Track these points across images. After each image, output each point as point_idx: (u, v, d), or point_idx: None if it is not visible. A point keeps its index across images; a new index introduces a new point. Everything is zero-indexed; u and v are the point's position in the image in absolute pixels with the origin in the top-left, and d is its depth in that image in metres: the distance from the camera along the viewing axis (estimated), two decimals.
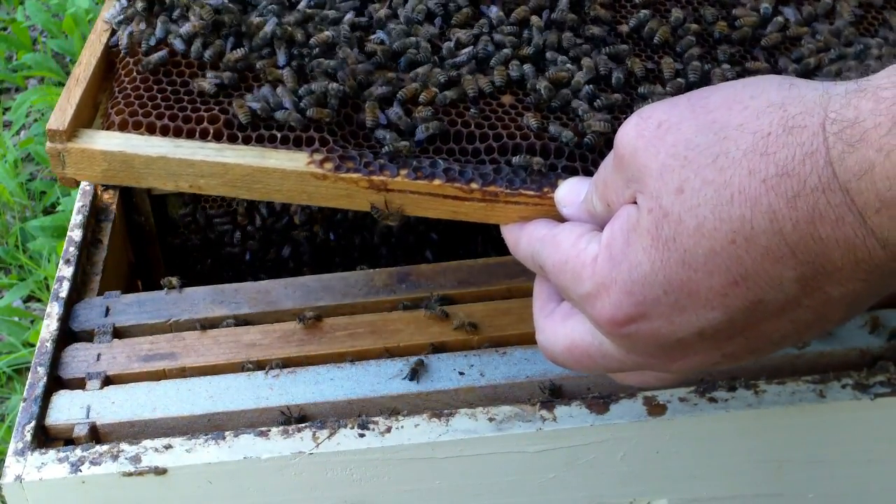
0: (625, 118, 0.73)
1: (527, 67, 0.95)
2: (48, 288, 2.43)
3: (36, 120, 2.94)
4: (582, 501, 0.96)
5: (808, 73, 0.99)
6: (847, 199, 0.59)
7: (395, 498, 0.94)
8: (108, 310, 1.08)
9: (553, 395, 0.95)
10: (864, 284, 0.63)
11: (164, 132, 0.90)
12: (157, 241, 1.36)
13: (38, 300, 2.49)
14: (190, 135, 0.90)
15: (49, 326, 1.05)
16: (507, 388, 0.97)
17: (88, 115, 0.94)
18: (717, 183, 0.63)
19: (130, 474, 0.90)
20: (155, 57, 0.94)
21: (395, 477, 0.93)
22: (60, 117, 0.91)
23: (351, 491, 0.93)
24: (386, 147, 0.88)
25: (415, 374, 0.97)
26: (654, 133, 0.67)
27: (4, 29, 3.34)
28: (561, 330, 0.78)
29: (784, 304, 0.64)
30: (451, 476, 0.93)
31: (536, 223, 0.82)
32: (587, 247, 0.72)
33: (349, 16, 0.99)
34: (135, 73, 0.95)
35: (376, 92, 0.92)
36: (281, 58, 0.94)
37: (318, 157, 0.88)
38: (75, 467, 0.90)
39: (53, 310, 1.07)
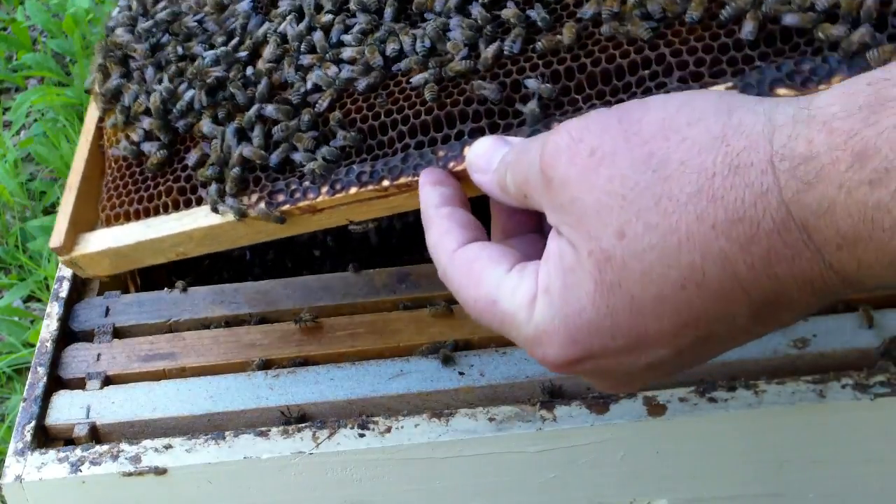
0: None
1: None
2: (48, 288, 2.43)
3: (36, 120, 2.94)
4: (582, 501, 0.96)
5: None
6: (804, 236, 0.57)
7: (395, 498, 0.94)
8: (108, 310, 1.08)
9: (553, 395, 0.95)
10: (817, 303, 0.61)
11: (137, 216, 0.96)
12: None
13: (38, 300, 2.49)
14: (156, 212, 0.95)
15: (49, 326, 1.05)
16: (507, 388, 0.97)
17: (88, 218, 1.00)
18: (661, 228, 0.59)
19: (130, 474, 0.90)
20: (118, 150, 1.00)
21: (395, 477, 0.93)
22: (56, 235, 0.98)
23: (351, 491, 0.93)
24: (306, 169, 0.88)
25: (448, 360, 0.98)
26: (587, 163, 0.62)
27: (4, 29, 3.34)
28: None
29: (736, 334, 0.63)
30: (451, 476, 0.93)
31: (440, 235, 0.73)
32: (519, 285, 0.66)
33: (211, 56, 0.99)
34: (110, 166, 1.02)
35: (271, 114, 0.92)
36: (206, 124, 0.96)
37: (253, 199, 0.90)
38: (75, 467, 0.90)
39: (53, 310, 1.07)
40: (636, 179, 0.60)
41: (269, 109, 0.91)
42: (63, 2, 3.20)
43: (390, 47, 0.89)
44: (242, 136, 0.93)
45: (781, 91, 0.70)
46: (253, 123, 0.92)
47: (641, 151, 0.61)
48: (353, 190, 0.86)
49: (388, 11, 0.92)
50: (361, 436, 0.92)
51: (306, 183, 0.88)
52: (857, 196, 0.54)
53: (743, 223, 0.57)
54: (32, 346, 2.24)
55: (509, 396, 0.96)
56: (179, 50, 1.00)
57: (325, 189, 0.87)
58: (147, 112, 0.99)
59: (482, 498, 0.95)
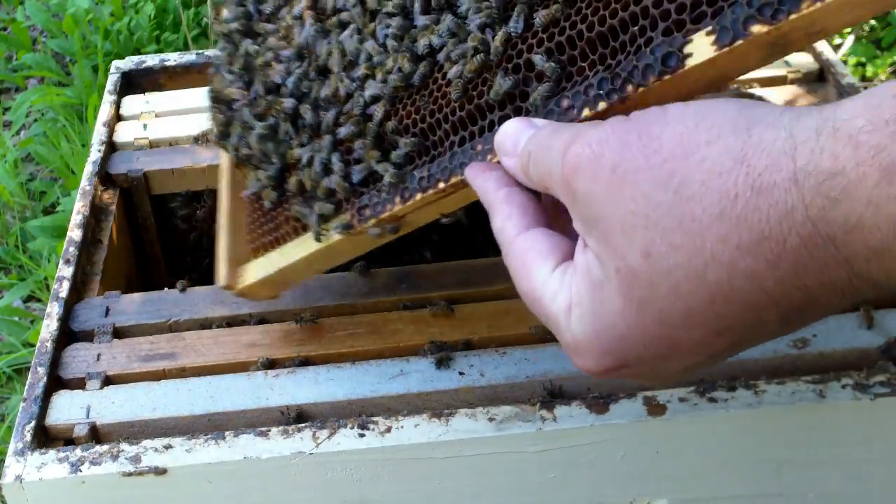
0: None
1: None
2: (48, 288, 2.43)
3: (36, 120, 2.94)
4: (582, 501, 0.96)
5: None
6: (831, 249, 0.57)
7: (395, 498, 0.94)
8: (108, 310, 1.08)
9: (553, 395, 0.95)
10: (848, 303, 0.62)
11: (273, 246, 1.02)
12: (157, 241, 1.36)
13: (38, 300, 2.49)
14: (283, 240, 1.01)
15: (49, 326, 1.05)
16: (507, 388, 0.97)
17: (244, 250, 1.06)
18: (686, 249, 0.60)
19: (130, 474, 0.90)
20: (245, 191, 1.06)
21: (395, 477, 0.93)
22: (221, 275, 1.04)
23: (351, 491, 0.93)
24: (384, 181, 0.90)
25: (441, 363, 0.99)
26: (610, 179, 0.63)
27: (4, 29, 3.34)
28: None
29: (766, 335, 0.64)
30: (451, 476, 0.93)
31: (503, 221, 0.74)
32: (560, 290, 0.68)
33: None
34: (250, 204, 1.07)
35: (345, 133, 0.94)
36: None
37: (346, 217, 0.93)
38: (75, 467, 0.90)
39: (53, 310, 1.07)
40: (659, 199, 0.61)
41: (343, 131, 0.93)
42: (63, 2, 3.20)
43: (422, 44, 0.89)
44: (327, 166, 0.96)
45: (755, 28, 0.69)
46: (330, 152, 0.94)
47: (662, 171, 0.61)
48: (419, 196, 0.88)
49: (417, 6, 0.91)
50: (361, 436, 0.92)
51: (383, 195, 0.91)
52: (887, 210, 0.54)
53: (769, 241, 0.58)
54: (32, 346, 2.24)
55: (509, 396, 0.96)
56: (261, 88, 1.02)
57: (397, 199, 0.89)
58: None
59: (482, 498, 0.95)
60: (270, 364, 1.00)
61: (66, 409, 0.97)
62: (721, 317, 0.61)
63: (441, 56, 0.87)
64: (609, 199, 0.63)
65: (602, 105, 0.74)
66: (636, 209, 0.61)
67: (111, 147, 1.35)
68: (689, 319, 0.62)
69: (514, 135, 0.75)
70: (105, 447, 0.92)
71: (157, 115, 1.39)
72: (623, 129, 0.64)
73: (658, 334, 0.63)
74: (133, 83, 1.48)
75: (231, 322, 1.07)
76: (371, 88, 0.92)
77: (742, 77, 1.20)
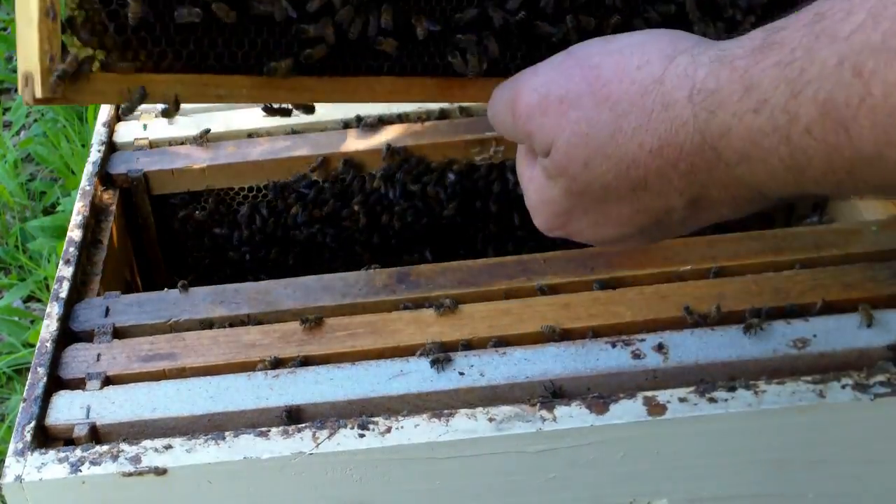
0: None
1: None
2: (48, 288, 2.43)
3: (36, 120, 2.94)
4: (582, 501, 0.96)
5: None
6: (715, 155, 0.71)
7: (395, 498, 0.94)
8: (108, 310, 1.08)
9: (553, 395, 0.95)
10: (747, 205, 0.76)
11: None
12: (157, 242, 1.36)
13: (38, 300, 2.49)
14: None
15: (49, 326, 1.05)
16: (507, 388, 0.97)
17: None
18: (615, 157, 0.77)
19: (130, 474, 0.90)
20: None
21: (395, 477, 0.93)
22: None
23: (351, 491, 0.93)
24: None
25: (436, 363, 0.98)
26: (559, 108, 0.80)
27: (4, 29, 3.34)
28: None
29: (679, 220, 0.80)
30: (451, 476, 0.93)
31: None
32: (532, 170, 0.87)
33: None
34: None
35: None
36: None
37: None
38: (75, 467, 0.90)
39: (53, 310, 1.07)
40: (597, 119, 0.78)
41: None
42: None
43: None
44: None
45: None
46: None
47: (602, 94, 0.78)
48: None
49: None
50: (361, 436, 0.92)
51: None
52: (746, 120, 0.67)
53: (671, 147, 0.74)
54: (32, 346, 2.24)
55: (509, 396, 0.96)
56: None
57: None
58: None
59: (482, 498, 0.95)
60: (278, 363, 1.00)
61: (66, 410, 0.97)
62: (641, 199, 0.78)
63: None
64: (557, 125, 0.79)
65: None
66: (579, 130, 0.78)
67: (111, 147, 1.35)
68: (617, 200, 0.80)
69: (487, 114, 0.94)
70: (105, 447, 0.92)
71: (157, 116, 1.39)
72: (565, 64, 0.82)
73: (594, 207, 0.82)
74: None
75: (231, 322, 1.07)
76: None
77: None
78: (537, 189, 0.86)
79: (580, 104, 0.78)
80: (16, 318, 2.39)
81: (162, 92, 0.91)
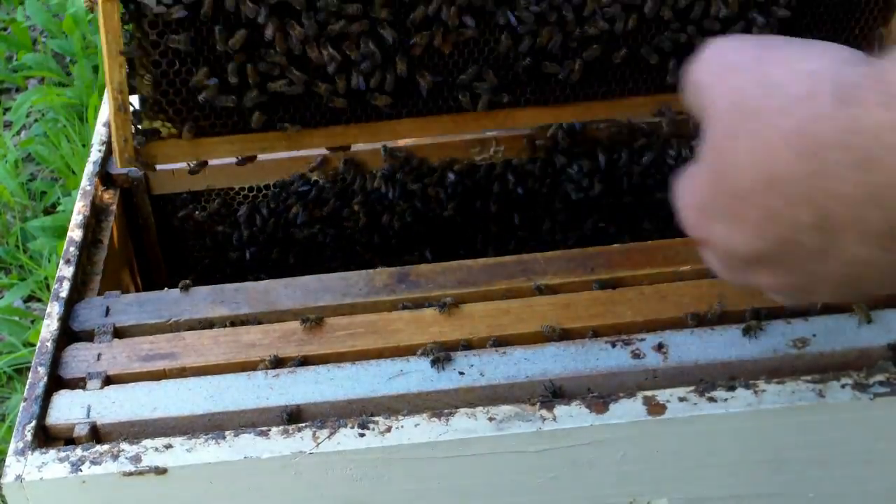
0: None
1: None
2: (48, 288, 2.43)
3: (36, 120, 2.94)
4: (582, 501, 0.96)
5: None
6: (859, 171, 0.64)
7: (395, 498, 0.94)
8: (108, 310, 1.08)
9: (553, 394, 0.95)
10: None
11: None
12: (157, 242, 1.36)
13: (39, 300, 2.49)
14: None
15: (49, 326, 1.05)
16: (507, 388, 0.97)
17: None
18: (760, 135, 0.71)
19: (131, 474, 0.90)
20: None
21: (395, 477, 0.93)
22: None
23: (351, 491, 0.93)
24: None
25: (436, 362, 0.98)
26: (719, 71, 0.78)
27: (4, 29, 3.34)
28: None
29: (803, 238, 0.70)
30: (451, 476, 0.93)
31: None
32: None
33: None
34: None
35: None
36: None
37: None
38: (76, 467, 0.90)
39: (54, 310, 1.07)
40: (750, 93, 0.74)
41: None
42: (63, 2, 3.20)
43: None
44: None
45: None
46: None
47: (761, 72, 0.74)
48: None
49: None
50: (361, 435, 0.92)
51: None
52: None
53: (805, 136, 0.67)
54: (33, 345, 2.24)
55: (509, 396, 0.96)
56: None
57: None
58: None
59: (482, 498, 0.95)
60: (278, 363, 1.00)
61: (67, 409, 0.97)
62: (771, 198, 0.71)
63: None
64: (717, 90, 0.76)
65: None
66: (734, 100, 0.74)
67: (111, 147, 1.34)
68: (748, 194, 0.72)
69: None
70: (105, 447, 0.92)
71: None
72: (744, 38, 0.81)
73: (725, 193, 0.74)
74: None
75: (232, 322, 1.07)
76: None
77: None
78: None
79: (742, 75, 0.76)
80: (16, 318, 2.39)
81: (214, 151, 1.13)
